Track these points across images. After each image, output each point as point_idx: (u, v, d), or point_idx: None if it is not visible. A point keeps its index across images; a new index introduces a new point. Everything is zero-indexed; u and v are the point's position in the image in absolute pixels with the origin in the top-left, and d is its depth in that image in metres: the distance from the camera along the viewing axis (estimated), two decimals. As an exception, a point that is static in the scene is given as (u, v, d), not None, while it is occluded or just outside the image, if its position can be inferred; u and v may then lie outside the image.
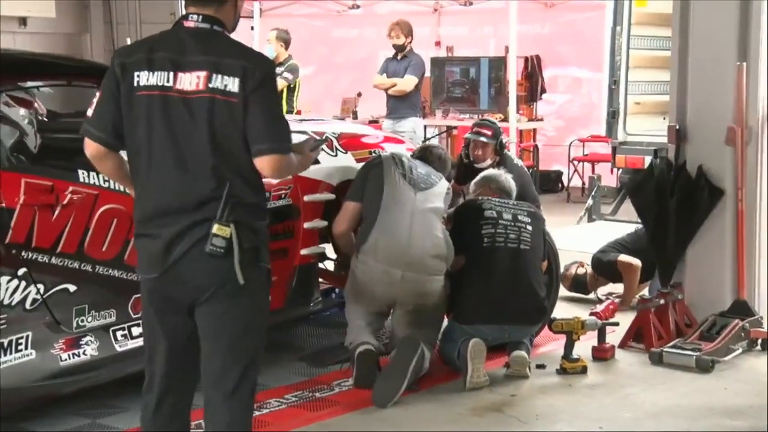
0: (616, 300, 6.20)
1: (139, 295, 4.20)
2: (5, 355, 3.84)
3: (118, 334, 4.27)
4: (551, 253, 5.57)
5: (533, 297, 5.11)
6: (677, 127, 5.74)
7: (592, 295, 6.65)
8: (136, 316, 4.31)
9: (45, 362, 3.98)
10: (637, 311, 5.61)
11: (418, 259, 4.85)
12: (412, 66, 9.16)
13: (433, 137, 12.02)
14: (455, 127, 11.39)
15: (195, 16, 3.10)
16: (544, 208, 5.87)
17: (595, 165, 11.21)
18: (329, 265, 5.81)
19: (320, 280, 5.47)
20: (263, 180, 3.19)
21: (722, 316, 5.47)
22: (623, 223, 7.97)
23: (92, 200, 4.13)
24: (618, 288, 6.56)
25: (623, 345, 5.50)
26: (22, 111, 4.47)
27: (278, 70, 9.35)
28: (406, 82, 9.08)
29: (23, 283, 3.90)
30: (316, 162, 5.15)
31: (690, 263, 5.76)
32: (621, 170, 9.34)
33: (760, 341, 5.40)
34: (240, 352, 3.15)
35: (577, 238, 8.18)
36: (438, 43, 12.78)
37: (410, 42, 9.25)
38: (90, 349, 4.15)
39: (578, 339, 5.18)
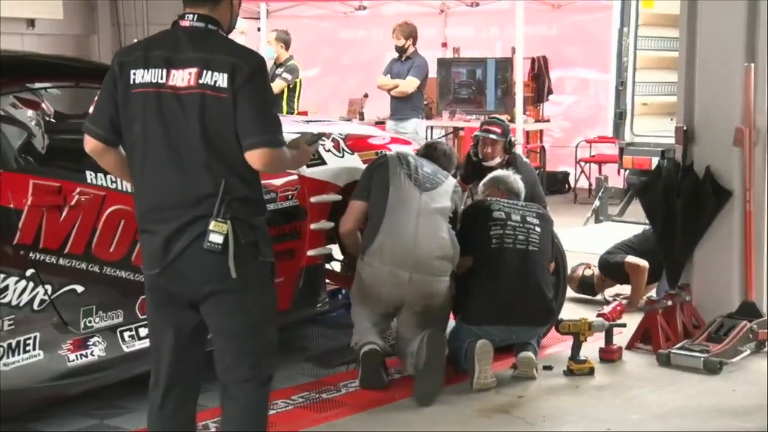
0: (624, 301, 6.20)
1: (145, 296, 4.26)
2: (13, 355, 3.85)
3: (126, 334, 4.28)
4: (559, 255, 5.56)
5: (541, 298, 5.10)
6: (685, 128, 5.73)
7: (599, 297, 6.64)
8: (144, 316, 4.30)
9: (53, 363, 3.99)
10: (645, 312, 5.60)
11: (424, 261, 4.85)
12: (415, 68, 9.21)
13: (439, 138, 12.02)
14: (462, 128, 11.38)
15: (190, 16, 3.18)
16: (551, 209, 5.87)
17: (602, 166, 11.20)
18: (336, 266, 5.81)
19: (327, 281, 5.47)
20: (269, 177, 3.22)
21: (730, 318, 5.46)
22: (630, 225, 7.96)
23: (100, 201, 4.14)
24: (625, 289, 6.55)
25: (630, 346, 5.49)
26: (30, 112, 4.49)
27: (278, 70, 9.38)
28: (408, 84, 9.12)
29: (31, 284, 3.91)
30: (323, 163, 5.20)
31: (698, 264, 5.75)
32: (628, 171, 9.33)
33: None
34: (248, 345, 3.22)
35: (584, 239, 8.18)
36: (444, 44, 12.79)
37: (411, 44, 9.29)
38: (97, 350, 4.16)
39: (585, 340, 5.17)
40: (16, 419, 4.16)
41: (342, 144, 5.44)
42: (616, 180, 10.07)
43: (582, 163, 11.57)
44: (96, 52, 9.91)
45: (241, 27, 8.46)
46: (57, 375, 4.01)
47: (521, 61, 10.64)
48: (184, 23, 3.19)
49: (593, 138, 11.57)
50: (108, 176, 4.15)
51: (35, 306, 3.93)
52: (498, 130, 6.48)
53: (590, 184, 11.29)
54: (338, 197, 5.24)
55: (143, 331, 4.29)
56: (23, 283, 3.88)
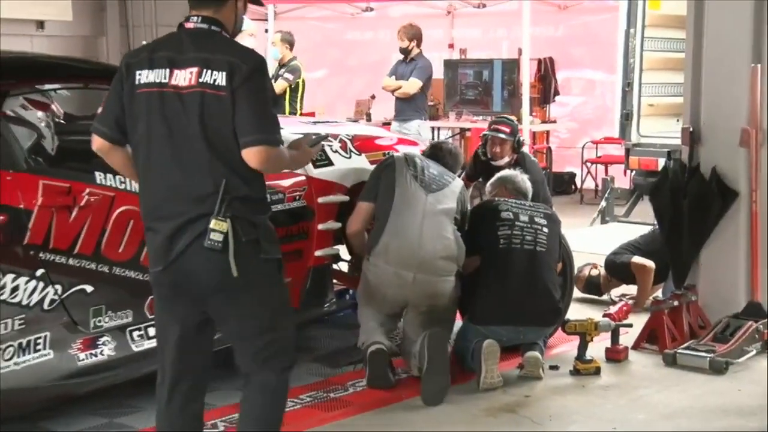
0: (630, 301, 6.19)
1: (154, 295, 4.27)
2: (24, 354, 3.87)
3: (135, 334, 4.30)
4: (566, 255, 5.57)
5: (549, 299, 5.10)
6: (691, 128, 5.72)
7: (605, 297, 6.64)
8: (152, 316, 4.32)
9: (63, 362, 4.01)
10: (651, 313, 5.60)
11: (428, 261, 4.85)
12: (417, 69, 9.25)
13: (446, 139, 12.02)
14: (468, 129, 11.39)
15: (195, 18, 3.24)
16: (558, 210, 5.87)
17: (609, 167, 11.20)
18: (343, 267, 5.82)
19: (334, 281, 5.48)
20: (277, 178, 3.24)
21: (736, 318, 5.45)
22: (636, 225, 7.95)
23: (109, 202, 4.15)
24: (631, 290, 6.55)
25: (636, 346, 5.49)
26: (40, 113, 4.51)
27: (281, 71, 9.41)
28: (410, 85, 9.17)
29: (41, 284, 3.93)
30: (331, 164, 5.21)
31: (704, 265, 5.75)
32: (634, 172, 9.32)
33: (773, 343, 5.39)
34: (259, 341, 3.26)
35: (590, 239, 8.17)
36: (451, 46, 12.79)
37: (415, 46, 9.33)
38: (107, 349, 4.17)
39: (591, 340, 5.17)
40: (26, 417, 4.18)
41: (349, 145, 5.45)
42: (623, 181, 10.06)
43: (588, 164, 11.56)
44: (105, 54, 9.93)
45: (250, 29, 8.47)
46: (67, 374, 4.03)
47: (528, 62, 10.64)
48: (189, 25, 3.24)
49: (599, 139, 11.56)
50: (117, 177, 4.16)
51: (45, 306, 3.95)
52: (507, 130, 6.48)
53: (596, 185, 11.30)
54: (345, 198, 5.25)
55: (152, 331, 4.30)
56: (33, 283, 3.90)
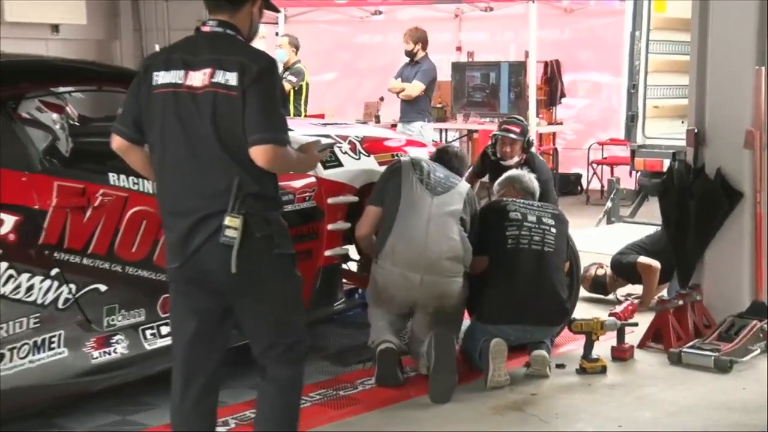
0: (635, 301, 6.17)
1: (167, 295, 4.28)
2: (39, 352, 3.88)
3: (148, 332, 4.30)
4: (573, 255, 5.56)
5: (556, 299, 5.09)
6: (696, 130, 5.71)
7: (611, 296, 6.63)
8: (165, 315, 4.34)
9: (77, 360, 4.02)
10: (656, 312, 5.59)
11: (435, 262, 4.85)
12: (421, 72, 9.28)
13: (453, 140, 12.01)
14: (476, 131, 11.39)
15: (212, 22, 3.29)
16: (564, 210, 5.85)
17: (614, 168, 11.16)
18: (352, 266, 5.81)
19: (344, 280, 5.48)
20: (287, 179, 3.27)
21: (740, 317, 5.44)
22: (642, 225, 7.93)
23: (122, 202, 4.16)
24: (637, 289, 6.53)
25: (642, 345, 5.48)
26: (55, 116, 4.52)
27: (285, 73, 9.43)
28: (413, 88, 9.20)
29: (56, 283, 3.94)
30: (340, 165, 5.21)
31: (708, 265, 5.73)
32: (640, 173, 9.30)
33: (778, 342, 5.37)
34: (274, 334, 3.30)
35: (596, 239, 8.15)
36: (459, 48, 12.78)
37: (420, 48, 9.35)
38: (120, 348, 4.18)
39: (597, 339, 5.16)
40: (41, 414, 4.19)
41: (358, 146, 5.45)
42: (628, 182, 10.03)
43: (594, 165, 11.54)
44: (118, 57, 9.95)
45: (261, 32, 8.48)
46: (81, 372, 4.04)
47: (534, 65, 10.62)
48: (205, 29, 3.30)
49: (605, 140, 11.53)
50: (130, 178, 4.18)
51: (60, 305, 3.96)
52: (517, 130, 6.48)
53: (602, 186, 11.27)
54: (355, 198, 5.25)
55: (164, 329, 4.32)
56: (48, 282, 3.91)
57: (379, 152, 5.56)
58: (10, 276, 3.78)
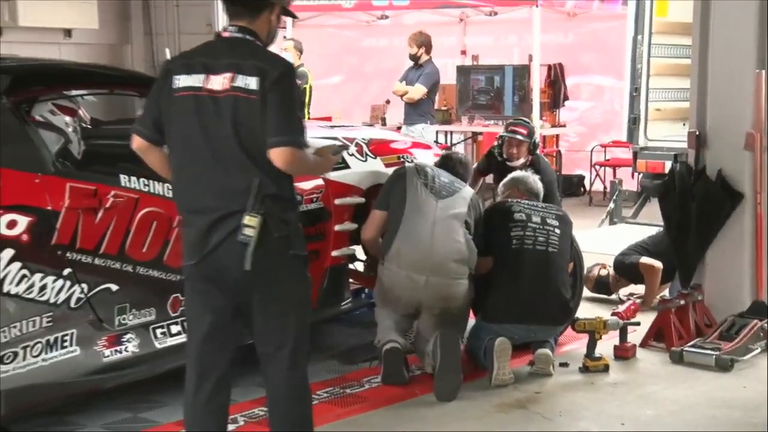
0: (638, 300, 6.16)
1: (176, 294, 4.30)
2: (52, 351, 3.88)
3: (158, 331, 4.30)
4: (576, 256, 5.55)
5: (560, 299, 5.09)
6: (697, 132, 5.69)
7: (614, 296, 6.61)
8: (175, 314, 4.35)
9: (89, 358, 4.02)
10: (658, 311, 5.58)
11: (440, 264, 4.85)
12: (423, 76, 9.31)
13: (458, 143, 12.01)
14: (480, 133, 11.38)
15: (231, 28, 3.33)
16: (567, 211, 5.85)
17: (617, 169, 11.15)
18: (359, 266, 5.81)
19: (350, 280, 5.48)
20: (297, 180, 3.30)
21: (741, 317, 5.42)
22: (644, 226, 7.91)
23: (133, 204, 4.16)
24: (639, 289, 6.52)
25: (644, 344, 5.46)
26: (67, 119, 4.53)
27: None
28: (415, 91, 9.25)
29: (68, 283, 3.94)
30: (347, 167, 5.21)
31: (710, 265, 5.72)
32: (642, 175, 9.28)
33: (778, 341, 5.35)
34: (284, 334, 3.31)
35: (599, 240, 8.13)
36: (464, 52, 12.77)
37: (424, 52, 9.37)
38: (131, 346, 4.18)
39: (600, 338, 5.15)
40: (54, 412, 4.19)
41: (365, 148, 5.44)
42: (630, 183, 10.01)
43: (597, 167, 11.52)
44: (129, 61, 9.96)
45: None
46: (93, 370, 4.04)
47: (538, 68, 10.61)
48: (225, 34, 3.34)
49: (608, 142, 11.51)
50: (141, 180, 4.18)
51: (72, 304, 3.96)
52: (524, 132, 6.47)
53: (605, 187, 11.25)
54: (361, 200, 5.25)
55: (174, 328, 4.34)
56: (61, 282, 3.91)
57: (385, 154, 5.56)
58: (24, 276, 3.78)
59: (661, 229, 6.37)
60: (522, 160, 6.39)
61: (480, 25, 12.81)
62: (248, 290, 3.26)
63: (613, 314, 5.44)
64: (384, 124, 11.25)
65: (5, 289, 3.72)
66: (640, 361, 5.29)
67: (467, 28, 13.01)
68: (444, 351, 4.61)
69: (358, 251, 5.56)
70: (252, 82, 3.17)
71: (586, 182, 11.87)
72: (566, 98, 11.48)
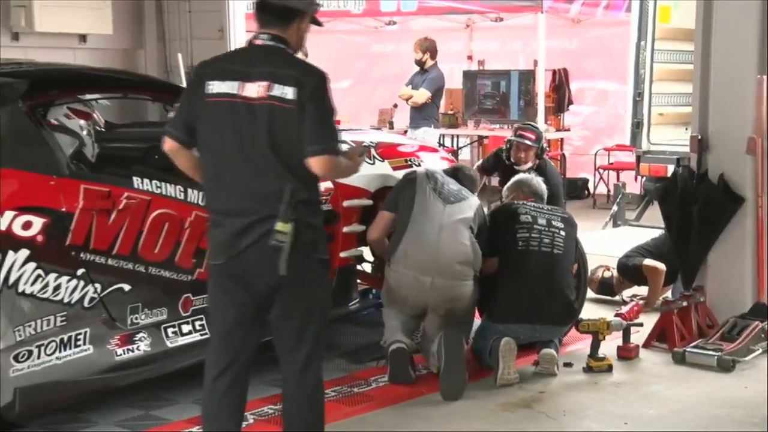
0: (641, 302, 6.14)
1: (188, 294, 4.30)
2: (65, 349, 3.89)
3: (169, 331, 4.30)
4: (581, 258, 5.53)
5: (564, 300, 5.08)
6: (699, 137, 5.68)
7: (617, 297, 6.60)
8: (186, 314, 4.36)
9: (102, 357, 4.03)
10: (661, 313, 5.56)
11: (446, 266, 4.84)
12: (428, 80, 9.31)
13: (464, 146, 12.00)
14: (486, 137, 11.37)
15: (263, 36, 3.35)
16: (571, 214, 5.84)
17: (620, 173, 11.11)
18: (367, 267, 5.81)
19: (358, 281, 5.47)
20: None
21: (743, 318, 5.40)
22: (647, 229, 7.89)
23: (145, 205, 4.16)
24: (642, 290, 6.50)
25: (647, 345, 5.45)
26: (82, 122, 4.53)
27: None
28: (419, 95, 9.26)
29: (82, 283, 3.95)
30: (355, 170, 5.20)
31: (712, 267, 5.70)
32: (645, 178, 9.26)
33: (779, 342, 5.33)
34: (305, 335, 3.34)
35: (602, 242, 8.12)
36: (470, 57, 12.76)
37: (429, 57, 9.38)
38: (143, 345, 4.19)
39: (604, 339, 5.13)
40: (67, 409, 4.19)
41: (373, 152, 5.44)
42: (634, 186, 9.99)
43: (601, 170, 11.49)
44: (143, 65, 9.95)
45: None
46: (105, 368, 4.04)
47: (543, 73, 10.60)
48: (258, 42, 3.35)
49: (611, 146, 11.47)
50: (153, 182, 4.18)
51: (85, 303, 3.97)
52: (532, 137, 6.45)
53: (608, 190, 11.21)
54: (369, 202, 5.25)
55: (186, 328, 4.34)
56: (74, 281, 3.92)
57: (392, 157, 5.55)
58: (39, 276, 3.79)
59: (664, 231, 6.35)
60: (529, 165, 6.37)
61: (486, 31, 12.80)
62: (273, 291, 3.28)
63: (617, 315, 5.43)
64: (391, 127, 11.24)
65: (20, 288, 3.73)
66: (643, 361, 5.27)
67: (473, 34, 12.99)
68: (448, 351, 4.60)
69: (366, 252, 5.55)
70: (289, 92, 3.20)
71: (590, 185, 11.85)
72: (570, 103, 11.46)
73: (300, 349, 3.34)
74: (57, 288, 3.85)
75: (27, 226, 3.75)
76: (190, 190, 4.29)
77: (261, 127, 3.21)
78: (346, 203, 5.08)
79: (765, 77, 5.41)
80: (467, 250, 4.90)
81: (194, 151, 3.38)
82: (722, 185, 5.57)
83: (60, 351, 3.87)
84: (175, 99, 4.72)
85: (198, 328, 4.38)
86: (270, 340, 3.44)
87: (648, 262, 6.34)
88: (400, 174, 5.34)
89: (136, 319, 4.18)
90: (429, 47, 9.43)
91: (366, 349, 5.35)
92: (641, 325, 5.43)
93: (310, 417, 3.43)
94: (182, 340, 4.30)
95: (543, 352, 4.97)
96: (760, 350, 5.25)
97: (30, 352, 3.77)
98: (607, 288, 6.62)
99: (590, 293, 6.26)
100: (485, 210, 5.38)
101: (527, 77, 10.87)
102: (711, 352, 5.13)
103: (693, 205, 5.61)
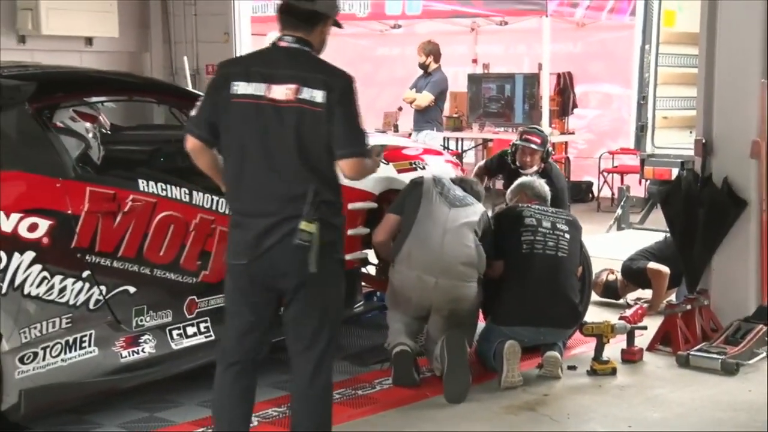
0: (645, 305, 6.12)
1: (192, 296, 4.31)
2: (71, 351, 3.89)
3: (174, 333, 4.30)
4: (585, 261, 5.53)
5: (569, 302, 5.07)
6: (704, 140, 5.67)
7: (621, 301, 6.59)
8: (191, 316, 4.36)
9: (107, 359, 4.03)
10: (665, 316, 5.55)
11: (450, 267, 4.84)
12: (431, 83, 9.32)
13: (469, 149, 12.00)
14: (491, 140, 11.37)
15: (288, 38, 3.36)
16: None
17: (624, 176, 11.11)
18: (371, 270, 5.80)
19: (363, 284, 5.47)
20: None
21: (746, 321, 5.39)
22: (651, 232, 7.88)
23: (151, 208, 4.17)
24: (646, 294, 6.49)
25: (651, 348, 5.44)
26: (87, 125, 4.54)
27: None
28: (422, 98, 9.26)
29: (87, 285, 3.95)
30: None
31: (715, 270, 5.69)
32: (649, 181, 9.24)
33: (783, 346, 5.32)
34: (321, 334, 3.35)
35: (607, 245, 8.10)
36: (475, 61, 12.76)
37: (432, 61, 9.38)
38: (148, 347, 4.19)
39: (608, 342, 5.13)
40: (72, 410, 4.20)
41: (377, 155, 5.42)
42: (638, 190, 9.98)
43: (605, 174, 11.48)
44: (149, 68, 9.97)
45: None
46: (110, 370, 4.05)
47: (548, 77, 10.59)
48: (282, 44, 3.37)
49: (616, 150, 11.47)
50: (159, 184, 4.19)
51: (91, 305, 3.97)
52: (538, 141, 6.43)
53: (613, 194, 11.21)
54: (374, 205, 5.25)
55: (190, 330, 4.34)
56: (80, 284, 3.92)
57: (397, 160, 5.54)
58: (44, 278, 3.79)
59: (668, 234, 6.34)
60: (534, 168, 6.36)
61: (491, 35, 12.79)
62: (293, 291, 3.30)
63: (621, 318, 5.42)
64: (396, 130, 11.26)
65: (26, 290, 3.73)
66: (647, 364, 5.26)
67: (478, 38, 12.99)
68: (450, 353, 4.60)
69: (371, 255, 5.55)
70: (318, 96, 3.22)
71: (595, 189, 11.83)
72: (575, 106, 11.45)
73: (314, 348, 3.35)
74: (62, 290, 3.85)
75: (33, 228, 3.75)
76: (195, 193, 4.30)
77: (288, 129, 3.22)
78: (350, 206, 5.07)
79: (769, 81, 5.40)
80: (471, 252, 4.90)
81: (216, 151, 3.38)
82: (726, 188, 5.56)
83: (65, 353, 3.87)
84: (180, 102, 4.75)
85: (203, 330, 4.38)
86: (275, 341, 3.44)
87: (652, 265, 6.33)
88: (404, 177, 5.33)
89: (141, 321, 4.18)
90: (432, 50, 9.43)
91: (370, 351, 5.34)
92: (645, 328, 5.42)
93: (320, 417, 3.43)
94: (187, 343, 4.30)
95: (547, 355, 4.96)
96: (764, 353, 5.24)
97: (35, 354, 3.78)
98: (611, 291, 6.61)
99: (594, 296, 6.26)
100: (489, 213, 5.37)
101: (532, 81, 10.86)
102: (715, 356, 5.12)
103: (697, 209, 5.60)
